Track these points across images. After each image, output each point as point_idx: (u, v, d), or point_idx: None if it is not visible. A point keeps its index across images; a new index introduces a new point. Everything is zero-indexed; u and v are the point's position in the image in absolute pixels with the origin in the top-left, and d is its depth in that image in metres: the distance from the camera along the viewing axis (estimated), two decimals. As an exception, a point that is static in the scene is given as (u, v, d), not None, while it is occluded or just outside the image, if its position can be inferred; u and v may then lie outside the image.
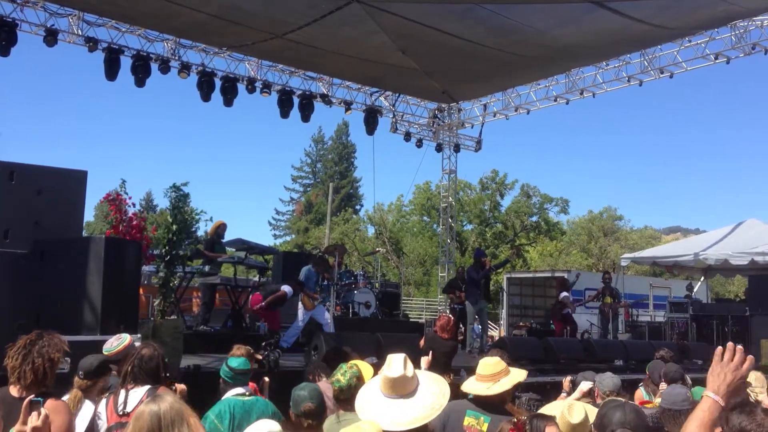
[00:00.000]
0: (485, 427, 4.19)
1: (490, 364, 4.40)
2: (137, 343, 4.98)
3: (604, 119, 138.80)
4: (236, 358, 5.22)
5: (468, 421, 4.27)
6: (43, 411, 3.22)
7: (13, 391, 3.64)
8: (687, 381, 6.97)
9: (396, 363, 3.13)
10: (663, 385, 6.44)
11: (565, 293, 15.52)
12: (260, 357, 8.09)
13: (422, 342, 8.69)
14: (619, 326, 17.66)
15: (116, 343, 5.11)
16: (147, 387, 4.08)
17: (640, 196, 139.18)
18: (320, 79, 17.96)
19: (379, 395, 3.12)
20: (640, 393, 6.63)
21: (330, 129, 60.32)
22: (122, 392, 4.10)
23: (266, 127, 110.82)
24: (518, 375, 4.47)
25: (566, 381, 6.39)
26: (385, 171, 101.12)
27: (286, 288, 11.52)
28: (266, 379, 6.09)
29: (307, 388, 3.80)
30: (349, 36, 13.67)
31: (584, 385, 5.57)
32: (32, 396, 3.36)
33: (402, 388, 3.08)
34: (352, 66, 15.83)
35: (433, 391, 3.16)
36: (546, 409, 4.14)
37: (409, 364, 3.17)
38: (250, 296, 12.03)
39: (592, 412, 3.61)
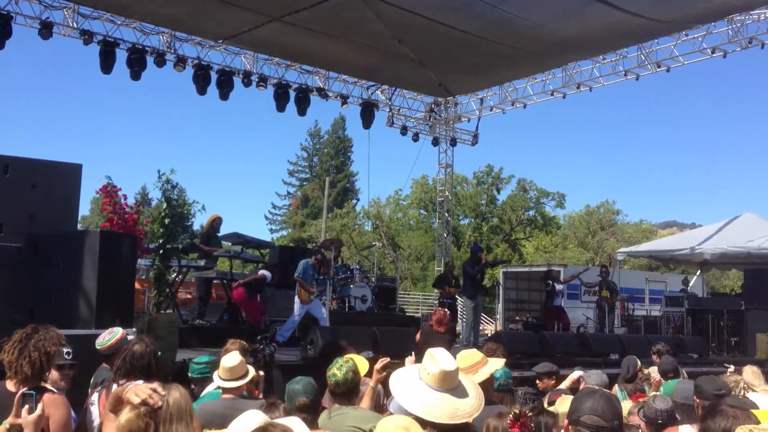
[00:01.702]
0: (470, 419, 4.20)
1: (467, 356, 4.42)
2: (131, 337, 4.97)
3: (601, 113, 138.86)
4: (203, 356, 5.26)
5: None
6: (39, 405, 3.21)
7: (10, 385, 3.62)
8: (682, 374, 7.01)
9: (446, 356, 3.12)
10: (657, 376, 6.49)
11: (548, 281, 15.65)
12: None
13: (418, 336, 8.69)
14: (615, 320, 17.70)
15: (108, 337, 5.09)
16: (139, 383, 4.06)
17: (636, 190, 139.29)
18: (316, 73, 17.91)
19: (427, 389, 3.07)
20: (615, 391, 6.63)
21: (326, 123, 60.16)
22: (114, 387, 4.08)
23: (263, 121, 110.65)
24: (496, 363, 4.52)
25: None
26: (381, 165, 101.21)
27: (264, 272, 11.54)
28: (261, 373, 6.08)
29: (302, 382, 3.79)
30: (346, 22, 13.64)
31: (574, 374, 5.69)
32: (25, 389, 3.35)
33: (454, 381, 3.09)
34: (348, 53, 15.73)
35: (471, 384, 3.19)
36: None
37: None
38: (233, 289, 12.03)
39: None
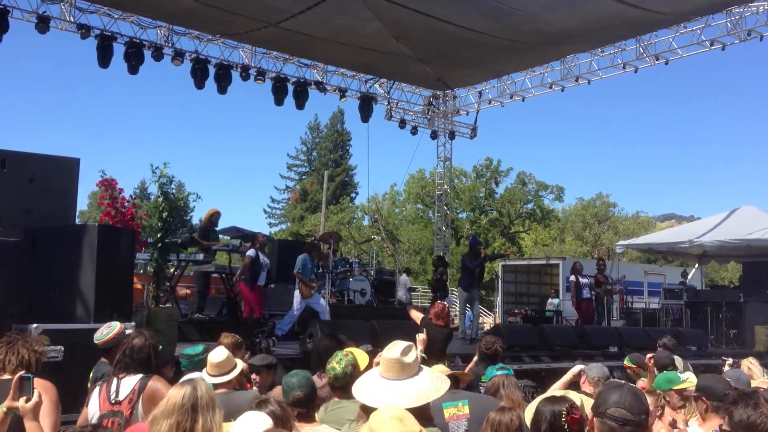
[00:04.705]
0: (466, 409, 4.21)
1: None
2: (129, 331, 4.96)
3: (600, 106, 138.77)
4: (189, 348, 5.26)
5: (449, 412, 4.28)
6: (36, 391, 3.23)
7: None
8: (687, 366, 7.02)
9: (396, 346, 3.14)
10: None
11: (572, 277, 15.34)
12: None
13: (413, 312, 8.72)
14: (613, 313, 17.69)
15: (106, 331, 5.08)
16: (139, 376, 4.07)
17: (635, 183, 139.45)
18: (315, 66, 17.87)
19: (377, 377, 3.15)
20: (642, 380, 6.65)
21: (326, 117, 60.06)
22: (114, 381, 4.09)
23: (262, 115, 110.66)
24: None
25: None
26: (380, 158, 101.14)
27: (248, 252, 11.53)
28: None
29: (297, 376, 3.78)
30: (343, 24, 13.60)
31: (575, 368, 5.68)
32: (22, 372, 3.36)
33: (397, 371, 3.08)
34: (346, 53, 15.76)
35: (432, 377, 3.18)
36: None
37: (413, 352, 3.17)
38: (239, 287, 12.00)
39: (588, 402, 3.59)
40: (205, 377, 4.77)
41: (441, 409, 4.25)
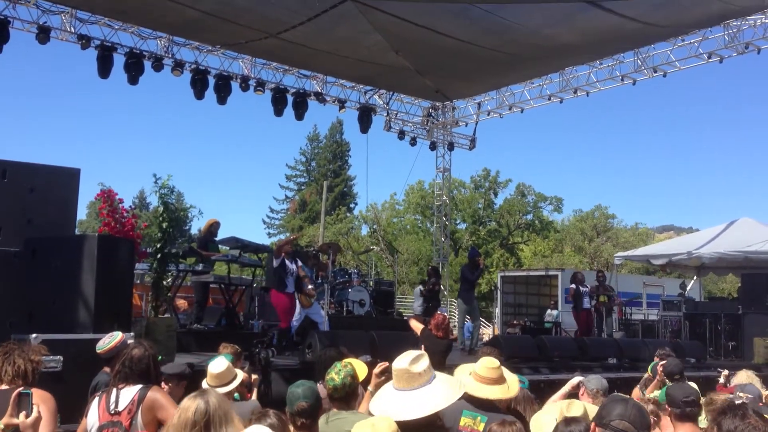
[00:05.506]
0: (482, 426, 4.19)
1: (493, 367, 4.21)
2: (130, 341, 4.96)
3: (598, 118, 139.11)
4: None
5: (464, 421, 4.27)
6: (35, 407, 3.23)
7: None
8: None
9: (406, 356, 3.16)
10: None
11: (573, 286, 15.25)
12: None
13: (413, 322, 8.72)
14: (612, 324, 17.67)
15: (108, 340, 5.10)
16: (138, 386, 4.07)
17: (634, 194, 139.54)
18: (314, 77, 17.93)
19: (390, 388, 3.20)
20: (638, 392, 6.66)
21: (325, 127, 60.20)
22: (113, 391, 4.09)
23: (262, 126, 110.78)
24: (515, 381, 4.47)
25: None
26: (379, 169, 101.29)
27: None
28: (255, 376, 6.07)
29: (302, 387, 3.78)
30: (343, 36, 13.65)
31: (574, 379, 5.68)
32: (21, 389, 3.36)
33: (407, 381, 3.10)
34: (346, 65, 15.83)
35: (444, 385, 3.19)
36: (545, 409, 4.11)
37: (422, 361, 3.18)
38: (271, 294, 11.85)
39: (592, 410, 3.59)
40: (205, 387, 4.77)
41: (459, 415, 4.25)
